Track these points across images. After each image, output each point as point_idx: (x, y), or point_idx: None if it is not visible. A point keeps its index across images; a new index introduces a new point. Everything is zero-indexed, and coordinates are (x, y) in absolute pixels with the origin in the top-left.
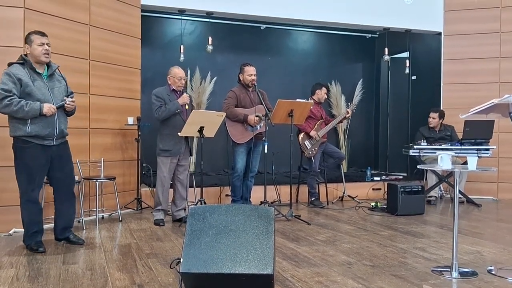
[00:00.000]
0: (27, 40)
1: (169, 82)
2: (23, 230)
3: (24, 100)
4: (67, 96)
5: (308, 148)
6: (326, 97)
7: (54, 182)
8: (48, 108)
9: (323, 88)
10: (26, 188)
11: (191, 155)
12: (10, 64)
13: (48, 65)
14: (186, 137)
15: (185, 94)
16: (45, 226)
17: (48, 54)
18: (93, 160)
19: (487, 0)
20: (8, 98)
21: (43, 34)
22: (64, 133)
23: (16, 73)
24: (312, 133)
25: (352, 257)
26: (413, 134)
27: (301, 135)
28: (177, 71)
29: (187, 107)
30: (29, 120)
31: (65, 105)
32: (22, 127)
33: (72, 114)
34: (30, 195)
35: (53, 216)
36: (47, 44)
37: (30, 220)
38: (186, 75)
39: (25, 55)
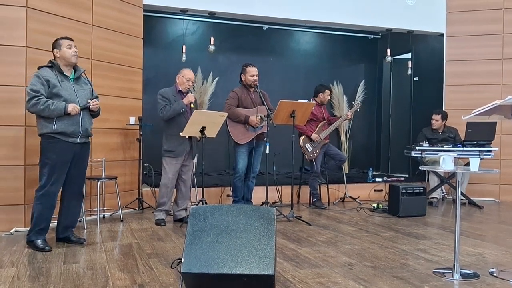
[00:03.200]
0: (56, 45)
1: (177, 81)
2: (24, 229)
3: (50, 100)
4: (91, 99)
5: (309, 151)
6: (329, 98)
7: (68, 178)
8: (72, 107)
9: (327, 90)
10: (46, 183)
11: (193, 158)
12: (40, 68)
13: (75, 69)
14: (190, 138)
15: (190, 93)
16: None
17: (76, 55)
18: (95, 160)
19: (490, 1)
20: (36, 98)
21: (70, 39)
22: (88, 132)
23: (45, 74)
24: (314, 136)
25: (354, 258)
26: (415, 135)
27: (302, 138)
28: (186, 72)
29: (192, 105)
30: (55, 118)
31: (90, 106)
32: (48, 125)
33: (97, 115)
34: (48, 190)
35: (55, 215)
36: (74, 46)
37: (40, 215)
38: None
39: (53, 59)
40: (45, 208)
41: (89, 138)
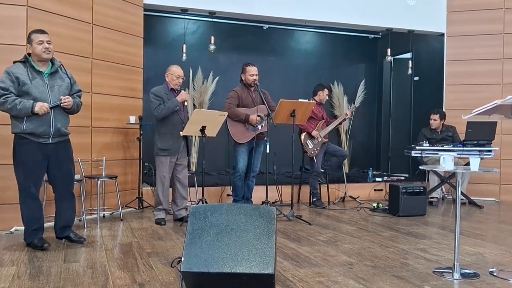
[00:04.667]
0: (28, 40)
1: (167, 79)
2: (23, 228)
3: (18, 99)
4: (73, 95)
5: (310, 147)
6: (328, 98)
7: (53, 180)
8: (39, 107)
9: (325, 89)
10: (24, 184)
11: (189, 154)
12: (14, 63)
13: (52, 62)
14: (184, 136)
15: (183, 91)
16: (46, 224)
17: (49, 51)
18: (95, 159)
19: (490, 1)
20: (4, 96)
21: (42, 32)
22: (61, 132)
23: (15, 71)
24: (314, 132)
25: (353, 258)
26: (415, 135)
27: (303, 135)
28: (175, 69)
29: (186, 103)
30: (25, 118)
31: (61, 104)
32: (19, 124)
33: (74, 112)
34: (28, 191)
35: (53, 215)
36: (47, 41)
37: (30, 217)
38: (188, 75)
39: (29, 54)
40: (32, 210)
41: (67, 136)
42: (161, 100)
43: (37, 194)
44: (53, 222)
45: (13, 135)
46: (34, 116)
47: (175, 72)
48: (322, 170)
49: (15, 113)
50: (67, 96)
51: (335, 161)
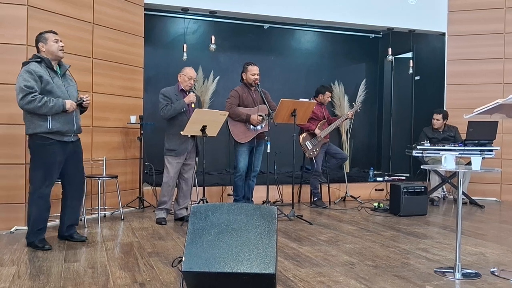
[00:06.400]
0: (41, 39)
1: (179, 80)
2: (24, 227)
3: (46, 97)
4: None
5: (309, 149)
6: (330, 100)
7: (66, 178)
8: (70, 104)
9: (327, 92)
10: (41, 185)
11: (198, 155)
12: (25, 63)
13: (60, 65)
14: (193, 136)
15: (191, 93)
16: (48, 224)
17: (63, 49)
18: (96, 159)
19: (491, 1)
20: (32, 95)
21: (55, 33)
22: (80, 129)
23: (37, 70)
24: (317, 131)
25: (355, 258)
26: (416, 134)
27: (302, 136)
28: (188, 71)
29: (193, 105)
30: (50, 117)
31: (83, 102)
32: (42, 123)
33: (85, 111)
34: (43, 191)
35: (56, 214)
36: (60, 40)
37: (38, 217)
38: None
39: (38, 53)
40: (42, 210)
41: (78, 134)
42: (169, 101)
43: (49, 195)
44: (55, 222)
45: (27, 135)
46: (60, 114)
47: (187, 73)
48: (321, 171)
49: (44, 111)
50: (87, 95)
51: (334, 163)
